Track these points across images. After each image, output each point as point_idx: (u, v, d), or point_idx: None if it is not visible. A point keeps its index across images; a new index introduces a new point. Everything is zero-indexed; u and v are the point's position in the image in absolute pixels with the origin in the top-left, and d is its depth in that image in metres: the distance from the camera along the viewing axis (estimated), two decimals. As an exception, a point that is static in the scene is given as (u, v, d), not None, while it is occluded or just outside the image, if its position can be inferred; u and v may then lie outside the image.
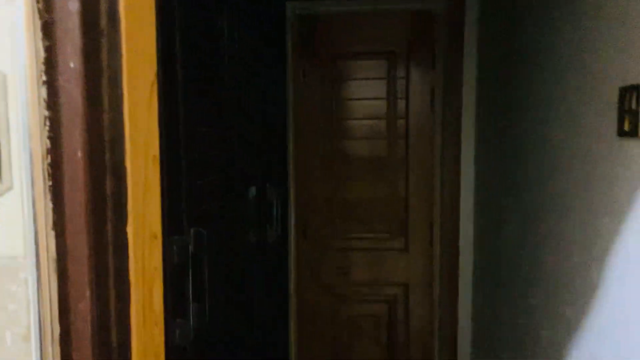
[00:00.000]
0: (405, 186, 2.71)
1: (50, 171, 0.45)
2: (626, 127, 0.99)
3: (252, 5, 1.89)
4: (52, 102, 0.44)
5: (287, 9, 2.57)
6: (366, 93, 2.70)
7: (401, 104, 2.68)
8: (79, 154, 0.45)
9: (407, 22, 2.64)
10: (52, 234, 0.45)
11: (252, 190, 1.95)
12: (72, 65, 0.44)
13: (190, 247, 1.14)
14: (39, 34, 0.44)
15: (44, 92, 0.44)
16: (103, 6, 0.46)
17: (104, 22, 0.46)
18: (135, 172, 0.50)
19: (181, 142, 1.11)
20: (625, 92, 1.00)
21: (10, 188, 0.45)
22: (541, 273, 1.55)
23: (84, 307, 0.46)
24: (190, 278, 1.09)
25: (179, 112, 1.10)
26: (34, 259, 0.45)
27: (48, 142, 0.44)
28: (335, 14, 2.66)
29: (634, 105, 0.96)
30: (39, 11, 0.43)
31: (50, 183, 0.45)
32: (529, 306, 1.66)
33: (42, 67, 0.44)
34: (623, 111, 1.01)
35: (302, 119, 2.73)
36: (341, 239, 2.77)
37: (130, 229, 0.49)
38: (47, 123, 0.44)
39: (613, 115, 1.06)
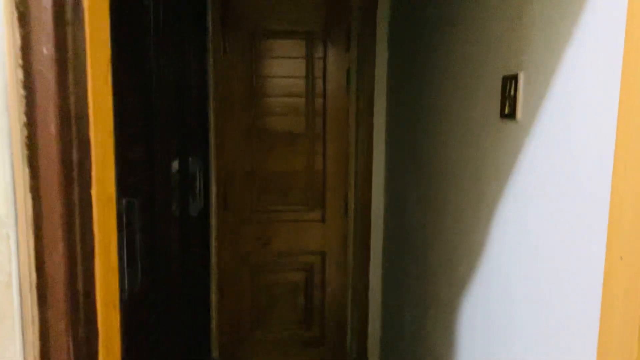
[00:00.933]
0: (322, 161, 2.87)
1: (26, 142, 0.52)
2: (506, 110, 1.19)
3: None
4: (28, 83, 0.51)
5: (208, -15, 2.60)
6: (286, 71, 2.80)
7: (319, 82, 2.82)
8: (52, 128, 0.53)
9: (324, 4, 2.76)
10: (29, 196, 0.53)
11: (175, 164, 2.01)
12: (45, 51, 0.51)
13: (123, 217, 1.21)
14: (16, 24, 0.50)
15: (20, 74, 0.51)
16: (69, 0, 0.54)
17: (70, 14, 0.54)
18: (96, 143, 0.58)
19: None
20: (507, 80, 1.19)
21: (-8, 156, 0.52)
22: (439, 236, 1.77)
23: (57, 258, 0.55)
24: (125, 245, 1.17)
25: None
26: (14, 218, 0.52)
27: (24, 117, 0.52)
28: (256, -8, 2.72)
29: (512, 92, 1.15)
30: (16, 4, 0.50)
31: (27, 152, 0.52)
32: (429, 267, 1.88)
33: (19, 53, 0.51)
34: (505, 97, 1.20)
35: (223, 94, 2.79)
36: (261, 211, 2.89)
37: (93, 192, 0.58)
38: (24, 101, 0.52)
39: (497, 99, 1.26)
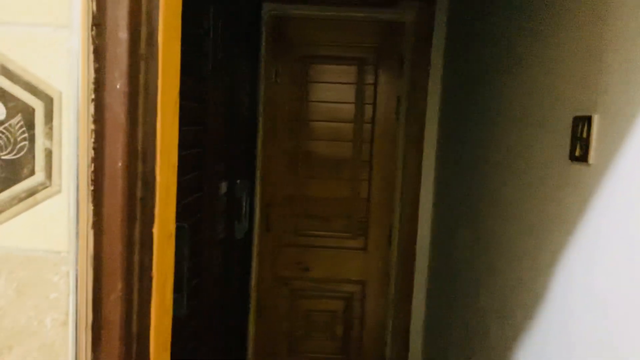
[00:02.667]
0: (368, 188, 2.82)
1: (93, 177, 0.50)
2: (577, 152, 1.12)
3: (232, 5, 1.94)
4: (98, 117, 0.50)
5: (263, 9, 2.62)
6: (335, 96, 2.79)
7: (368, 109, 2.79)
8: (119, 163, 0.51)
9: (377, 30, 2.74)
10: (91, 232, 0.51)
11: (223, 186, 2.01)
12: (117, 86, 0.50)
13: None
14: (91, 57, 0.49)
15: (92, 108, 0.50)
16: (144, 34, 0.52)
17: (144, 48, 0.52)
18: (162, 180, 0.56)
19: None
20: (578, 121, 1.12)
21: (59, 191, 0.50)
22: (492, 277, 1.68)
23: (114, 298, 0.52)
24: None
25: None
26: (75, 254, 0.50)
27: (93, 152, 0.50)
28: (309, 17, 2.73)
29: (584, 134, 1.09)
30: (92, 38, 0.49)
31: (92, 188, 0.51)
32: (479, 307, 1.79)
33: (92, 87, 0.50)
34: (575, 138, 1.13)
35: (272, 118, 2.79)
36: (303, 236, 2.86)
37: (155, 230, 0.55)
38: (93, 136, 0.50)
39: (566, 140, 1.19)
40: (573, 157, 1.14)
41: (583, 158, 1.09)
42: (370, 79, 2.78)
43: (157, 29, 0.53)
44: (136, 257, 0.54)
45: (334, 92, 2.79)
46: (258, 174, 2.77)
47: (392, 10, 2.65)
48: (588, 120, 1.08)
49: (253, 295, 2.83)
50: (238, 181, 2.20)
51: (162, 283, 0.60)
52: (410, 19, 2.69)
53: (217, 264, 1.89)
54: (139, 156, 0.53)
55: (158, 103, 0.54)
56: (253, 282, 2.83)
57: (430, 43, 2.60)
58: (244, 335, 2.79)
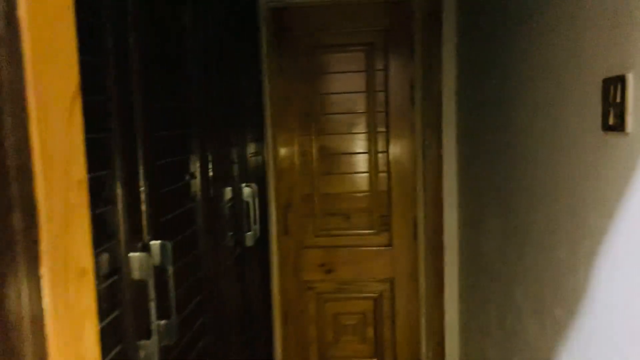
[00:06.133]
0: (387, 181, 2.66)
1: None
2: (611, 120, 0.94)
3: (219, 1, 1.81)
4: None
5: (259, 1, 2.48)
6: (345, 87, 2.63)
7: (380, 97, 2.62)
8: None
9: (384, 12, 2.57)
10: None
11: (227, 192, 1.87)
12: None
13: (155, 260, 1.07)
14: None
15: None
16: (-1, 10, 0.39)
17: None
18: (49, 202, 0.43)
19: (138, 147, 1.03)
20: (609, 84, 0.94)
21: None
22: (526, 270, 1.50)
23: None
24: (155, 294, 1.02)
25: (134, 116, 1.02)
26: None
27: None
28: (310, 5, 2.58)
29: (618, 98, 0.91)
30: None
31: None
32: (515, 304, 1.61)
33: None
34: (607, 104, 0.95)
35: (280, 115, 2.65)
36: (323, 236, 2.71)
37: (45, 270, 0.42)
38: None
39: (596, 108, 1.01)
40: (606, 127, 0.96)
41: (618, 126, 0.91)
42: (380, 64, 2.61)
43: (16, 3, 0.39)
44: (23, 311, 0.41)
45: (343, 82, 2.63)
46: (271, 173, 2.64)
47: (397, -11, 2.47)
48: (621, 81, 0.90)
49: (276, 302, 2.70)
50: (244, 185, 2.07)
51: (76, 336, 0.47)
52: (418, -3, 2.51)
53: (228, 274, 1.76)
54: (10, 174, 0.40)
55: (29, 101, 0.40)
56: (275, 288, 2.70)
57: (441, 20, 2.41)
58: (270, 344, 2.67)
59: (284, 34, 2.60)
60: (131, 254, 0.99)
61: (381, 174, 2.67)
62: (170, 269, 1.10)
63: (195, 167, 1.47)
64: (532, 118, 1.44)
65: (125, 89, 1.00)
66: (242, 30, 2.18)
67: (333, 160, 2.68)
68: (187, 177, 1.43)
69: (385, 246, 2.69)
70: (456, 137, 2.45)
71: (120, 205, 0.97)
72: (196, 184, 1.48)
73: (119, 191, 0.97)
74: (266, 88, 2.58)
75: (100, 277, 0.92)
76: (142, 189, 1.06)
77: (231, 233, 1.88)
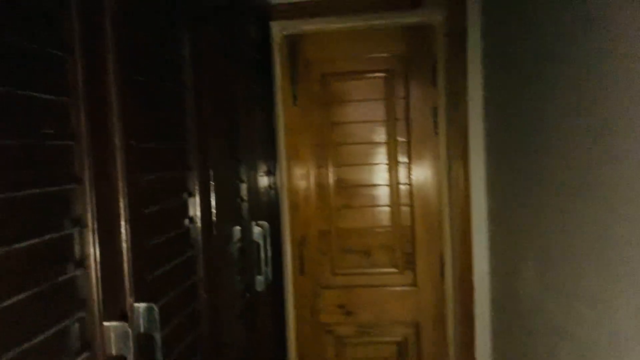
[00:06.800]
0: (411, 215, 2.47)
1: None
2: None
3: (221, 29, 1.68)
4: None
5: (272, 29, 2.36)
6: (363, 115, 2.48)
7: (401, 125, 2.46)
8: None
9: (403, 36, 2.42)
10: None
11: (236, 232, 1.72)
12: None
13: (139, 327, 0.91)
14: None
15: None
16: None
17: None
18: None
19: (119, 190, 0.88)
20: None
21: None
22: (574, 325, 1.30)
23: None
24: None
25: (112, 152, 0.88)
26: None
27: None
28: (324, 32, 2.45)
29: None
30: None
31: None
32: (561, 363, 1.40)
33: None
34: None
35: (294, 146, 2.50)
36: (342, 275, 2.53)
37: None
38: None
39: None
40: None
41: None
42: (400, 91, 2.45)
43: None
44: None
45: (361, 110, 2.48)
46: (285, 208, 2.48)
47: (417, 13, 2.32)
48: None
49: (292, 347, 2.51)
50: (254, 223, 1.91)
51: None
52: (439, 20, 2.36)
53: (232, 328, 1.59)
54: None
55: None
56: (291, 332, 2.51)
57: (465, 44, 2.25)
58: (286, 393, 2.47)
59: (298, 62, 2.47)
60: (107, 324, 0.83)
61: (404, 208, 2.48)
62: (158, 336, 0.94)
63: (196, 209, 1.32)
64: (573, 144, 1.26)
65: (101, 125, 0.85)
66: (255, 58, 2.05)
67: (351, 193, 2.51)
68: (187, 223, 1.28)
69: (410, 286, 2.49)
70: (485, 168, 2.26)
71: (93, 266, 0.81)
72: (196, 228, 1.32)
73: (92, 250, 0.81)
74: (280, 118, 2.44)
75: (67, 355, 0.76)
76: (123, 243, 0.90)
77: (239, 278, 1.72)
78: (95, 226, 0.82)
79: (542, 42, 1.51)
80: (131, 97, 0.94)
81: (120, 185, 0.89)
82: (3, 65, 0.65)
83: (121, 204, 0.89)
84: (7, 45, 0.66)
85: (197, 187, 1.31)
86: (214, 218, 1.41)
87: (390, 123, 2.46)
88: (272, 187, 2.29)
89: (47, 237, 0.72)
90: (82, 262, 0.79)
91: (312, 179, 2.52)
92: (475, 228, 2.28)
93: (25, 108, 0.69)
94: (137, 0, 1.00)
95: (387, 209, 2.49)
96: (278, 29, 2.41)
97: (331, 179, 2.51)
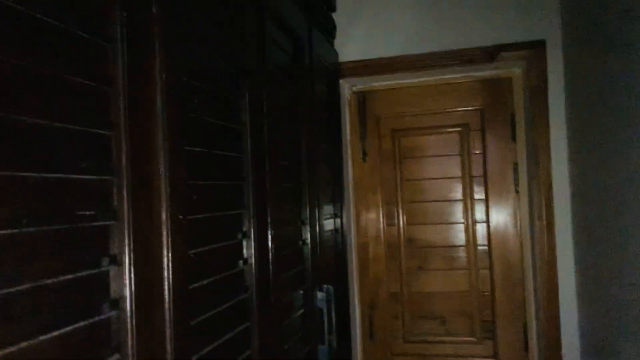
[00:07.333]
0: (490, 279, 2.29)
1: None
2: None
3: (289, 89, 1.66)
4: None
5: (342, 86, 2.33)
6: (436, 172, 2.36)
7: (479, 183, 2.31)
8: None
9: (479, 90, 2.31)
10: None
11: (298, 297, 1.64)
12: None
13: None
14: None
15: None
16: None
17: None
18: None
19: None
20: None
21: None
22: None
23: None
24: None
25: (161, 231, 0.84)
26: None
27: None
28: (396, 87, 2.39)
29: None
30: None
31: None
32: None
33: None
34: None
35: (363, 202, 2.42)
36: (415, 342, 2.36)
37: None
38: None
39: None
40: None
41: None
42: (477, 147, 2.32)
43: None
44: None
45: (434, 166, 2.37)
46: (354, 269, 2.38)
47: (493, 66, 2.21)
48: None
49: (360, 419, 2.34)
50: (324, 287, 1.82)
51: None
52: (516, 72, 2.24)
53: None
54: None
55: None
56: (360, 403, 2.36)
57: (546, 96, 2.10)
58: None
59: (367, 117, 2.42)
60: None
61: (482, 271, 2.31)
62: None
63: (252, 279, 1.26)
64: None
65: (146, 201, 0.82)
66: (322, 115, 2.02)
67: (424, 254, 2.37)
68: (241, 294, 1.22)
69: (489, 358, 2.27)
70: (572, 234, 2.05)
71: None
72: (251, 298, 1.25)
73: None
74: (348, 174, 2.38)
75: None
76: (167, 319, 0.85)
77: (300, 347, 1.62)
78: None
79: (637, 91, 1.35)
80: (182, 168, 0.91)
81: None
82: (50, 147, 0.63)
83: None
84: (51, 127, 0.64)
85: (253, 252, 1.25)
86: (270, 282, 1.34)
87: (466, 180, 2.33)
88: (340, 245, 2.20)
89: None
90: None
91: (382, 237, 2.41)
92: (563, 299, 2.05)
93: (65, 188, 0.67)
94: (188, 65, 0.98)
95: (463, 271, 2.32)
96: (347, 86, 2.38)
97: (403, 238, 2.39)
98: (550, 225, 2.08)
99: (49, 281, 0.64)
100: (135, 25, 0.79)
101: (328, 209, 2.01)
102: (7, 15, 0.59)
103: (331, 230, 2.06)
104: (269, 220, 1.33)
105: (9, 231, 0.58)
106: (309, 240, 1.71)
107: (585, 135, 1.88)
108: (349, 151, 2.40)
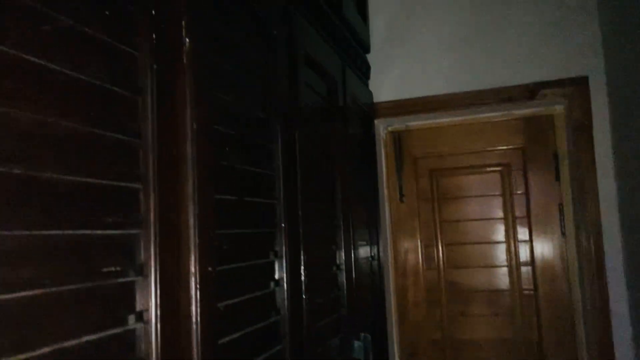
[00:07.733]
0: (537, 327, 2.16)
1: None
2: None
3: (323, 131, 1.64)
4: None
5: (377, 126, 2.31)
6: (477, 213, 2.28)
7: (523, 224, 2.22)
8: None
9: (519, 129, 2.24)
10: None
11: (333, 347, 1.57)
12: None
13: None
14: None
15: None
16: None
17: None
18: None
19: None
20: None
21: None
22: None
23: None
24: None
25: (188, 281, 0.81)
26: None
27: None
28: (432, 127, 2.35)
29: None
30: None
31: None
32: None
33: None
34: None
35: (401, 245, 2.35)
36: (458, 393, 2.23)
37: None
38: None
39: None
40: None
41: None
42: (519, 187, 2.24)
43: None
44: None
45: (474, 207, 2.29)
46: (393, 313, 2.29)
47: (533, 103, 2.15)
48: None
49: None
50: (361, 335, 1.75)
51: None
52: (558, 110, 2.16)
53: None
54: None
55: None
56: None
57: (591, 134, 2.01)
58: None
59: (404, 157, 2.38)
60: None
61: (528, 318, 2.18)
62: None
63: (286, 329, 1.21)
64: None
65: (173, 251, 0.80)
66: (357, 155, 1.99)
67: (467, 299, 2.26)
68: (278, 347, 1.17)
69: (539, 412, 2.12)
70: (625, 276, 1.93)
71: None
72: (285, 349, 1.20)
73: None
74: (385, 214, 2.33)
75: None
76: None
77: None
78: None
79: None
80: (212, 218, 0.89)
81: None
82: (76, 203, 0.62)
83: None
84: (78, 182, 0.63)
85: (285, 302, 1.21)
86: (304, 332, 1.29)
87: (508, 221, 2.24)
88: (377, 290, 2.12)
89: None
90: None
91: (421, 281, 2.33)
92: (617, 347, 1.91)
93: (91, 244, 0.65)
94: (219, 113, 0.97)
95: (508, 318, 2.20)
96: (382, 126, 2.36)
97: (443, 281, 2.30)
98: (600, 270, 1.96)
99: (72, 343, 0.61)
100: (165, 76, 0.79)
101: (364, 251, 1.96)
102: (38, 72, 0.59)
103: (368, 274, 2.00)
104: (301, 269, 1.28)
105: (30, 292, 0.56)
106: (344, 285, 1.66)
107: (635, 174, 1.78)
108: (386, 191, 2.35)
